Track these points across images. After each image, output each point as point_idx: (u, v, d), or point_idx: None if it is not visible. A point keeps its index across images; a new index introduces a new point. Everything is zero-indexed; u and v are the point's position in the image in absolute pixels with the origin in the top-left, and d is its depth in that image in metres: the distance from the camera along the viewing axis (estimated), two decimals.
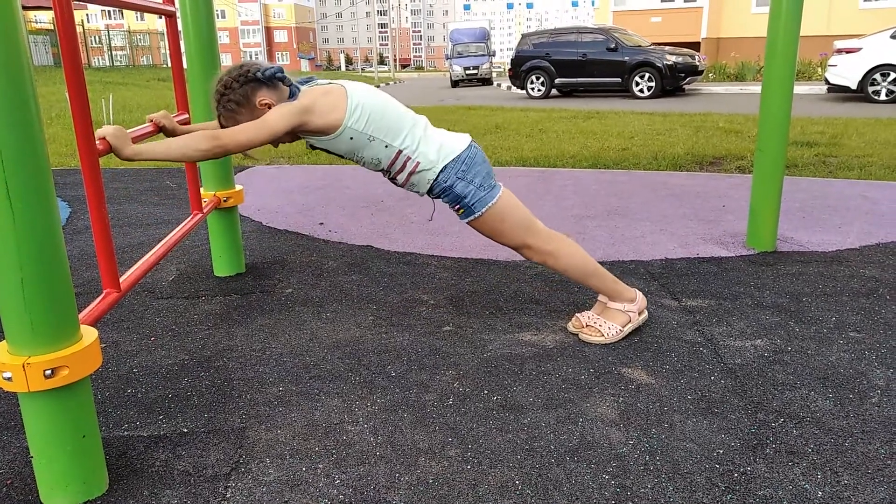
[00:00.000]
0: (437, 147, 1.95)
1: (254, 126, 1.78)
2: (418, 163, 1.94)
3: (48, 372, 1.25)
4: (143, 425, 1.67)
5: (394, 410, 1.72)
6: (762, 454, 1.50)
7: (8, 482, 1.45)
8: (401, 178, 1.99)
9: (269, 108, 1.85)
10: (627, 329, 2.10)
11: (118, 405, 1.78)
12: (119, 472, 1.47)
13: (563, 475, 1.44)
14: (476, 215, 1.98)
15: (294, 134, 1.90)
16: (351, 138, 1.89)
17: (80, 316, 1.44)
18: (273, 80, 1.86)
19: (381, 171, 2.01)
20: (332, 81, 1.96)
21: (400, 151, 1.93)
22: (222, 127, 1.91)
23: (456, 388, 1.83)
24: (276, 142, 1.86)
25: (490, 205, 1.96)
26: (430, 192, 2.01)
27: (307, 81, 1.99)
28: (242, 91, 1.85)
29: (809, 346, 2.04)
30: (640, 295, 2.15)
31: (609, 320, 2.10)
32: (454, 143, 1.97)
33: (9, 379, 1.25)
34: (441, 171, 1.94)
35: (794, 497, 1.36)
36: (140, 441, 1.60)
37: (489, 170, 2.01)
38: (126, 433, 1.64)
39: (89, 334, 1.36)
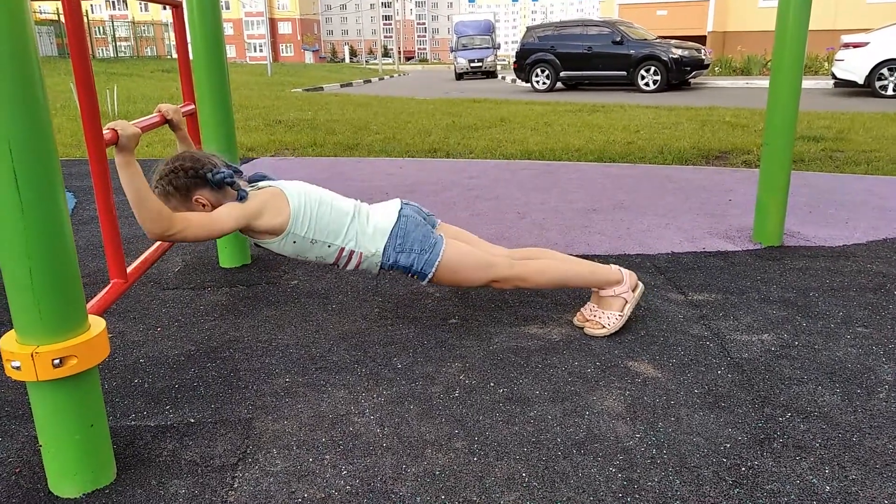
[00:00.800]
0: (372, 232, 2.00)
1: (204, 224, 1.82)
2: (361, 254, 2.00)
3: (56, 361, 1.26)
4: (151, 415, 1.68)
5: (400, 402, 1.72)
6: (769, 448, 1.50)
7: (17, 471, 1.46)
8: (349, 267, 2.04)
9: (203, 206, 1.90)
10: (627, 310, 2.10)
11: (125, 395, 1.78)
12: (127, 462, 1.48)
13: (570, 468, 1.44)
14: (429, 276, 2.01)
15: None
16: (294, 242, 1.95)
17: (88, 306, 1.44)
18: (221, 185, 1.89)
19: (330, 265, 2.06)
20: (272, 184, 1.99)
21: (342, 248, 1.99)
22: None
23: (462, 380, 1.83)
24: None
25: (437, 263, 2.00)
26: (381, 270, 2.07)
27: (253, 181, 2.03)
28: (185, 182, 1.89)
29: (817, 341, 2.03)
30: (625, 272, 2.14)
31: (606, 309, 2.11)
32: (384, 221, 2.02)
33: (17, 368, 1.25)
34: (382, 252, 2.00)
35: (802, 492, 1.35)
36: (147, 431, 1.60)
37: (425, 231, 2.03)
38: (133, 423, 1.64)
39: (97, 324, 1.36)
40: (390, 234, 2.00)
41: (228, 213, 1.85)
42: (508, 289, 2.10)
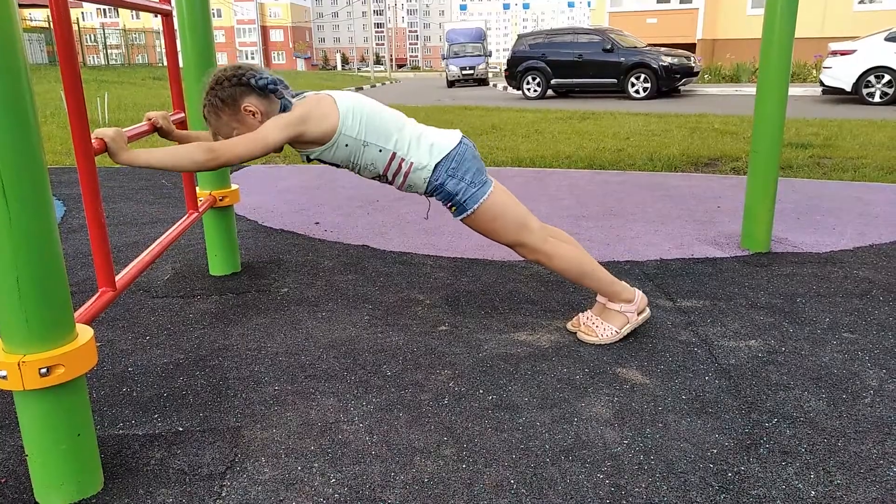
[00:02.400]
0: (428, 146, 1.95)
1: (250, 139, 1.78)
2: (412, 163, 1.94)
3: (43, 370, 1.25)
4: (139, 424, 1.67)
5: (389, 410, 1.72)
6: (756, 454, 1.51)
7: (2, 481, 1.45)
8: (398, 180, 1.99)
9: (254, 115, 1.86)
10: (625, 330, 2.10)
11: (113, 404, 1.77)
12: (114, 471, 1.47)
13: (558, 474, 1.45)
14: (468, 212, 1.98)
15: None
16: (346, 145, 1.89)
17: (76, 314, 1.44)
18: (264, 90, 1.86)
19: (378, 176, 2.01)
20: (318, 93, 1.96)
21: (394, 154, 1.93)
22: (205, 119, 1.93)
23: (451, 387, 1.83)
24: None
25: (481, 201, 1.96)
26: (426, 191, 2.01)
27: (298, 95, 1.99)
28: (231, 92, 1.85)
29: (803, 347, 2.05)
30: (639, 294, 2.14)
31: (606, 321, 2.11)
32: (444, 141, 1.98)
33: (4, 377, 1.25)
34: (434, 169, 1.95)
35: (788, 497, 1.36)
36: (135, 440, 1.60)
37: (480, 166, 2.01)
38: (121, 432, 1.64)
39: (85, 333, 1.36)
40: (447, 155, 1.94)
41: (275, 125, 1.80)
42: (529, 259, 2.06)
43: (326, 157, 1.93)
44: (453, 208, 2.00)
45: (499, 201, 1.99)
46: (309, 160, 1.97)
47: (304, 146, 1.91)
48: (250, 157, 1.79)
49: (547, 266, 2.08)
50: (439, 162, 1.94)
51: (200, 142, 1.74)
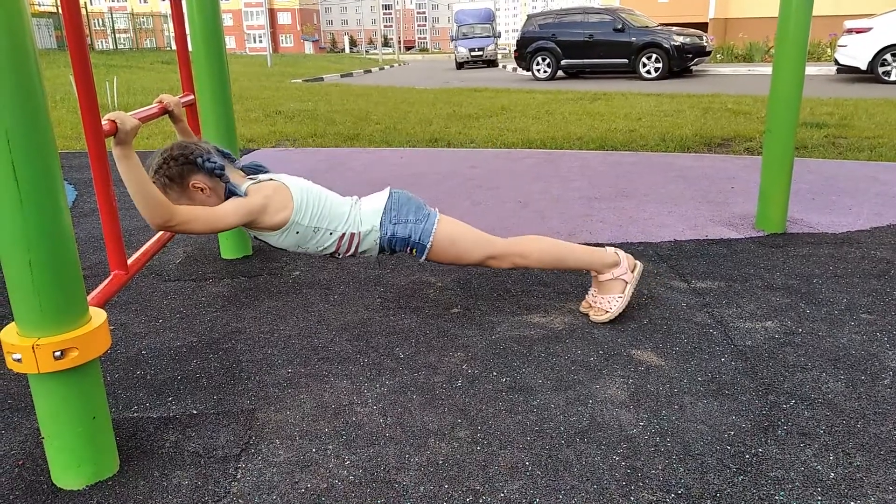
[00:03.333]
0: (367, 212, 2.01)
1: (208, 218, 1.80)
2: (360, 233, 2.00)
3: (57, 353, 1.25)
4: (153, 407, 1.68)
5: (402, 392, 1.72)
6: (773, 436, 1.50)
7: (20, 463, 1.46)
8: (351, 251, 2.03)
9: (202, 191, 1.88)
10: (628, 291, 2.10)
11: (127, 387, 1.78)
12: (129, 454, 1.48)
13: (574, 456, 1.44)
14: (428, 247, 2.01)
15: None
16: (297, 232, 1.94)
17: (89, 298, 1.44)
18: (211, 173, 1.87)
19: (330, 255, 2.04)
20: (272, 177, 1.99)
21: (343, 234, 1.98)
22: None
23: (464, 369, 1.83)
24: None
25: (433, 231, 2.00)
26: (381, 251, 2.05)
27: (252, 174, 2.02)
28: (178, 170, 1.87)
29: (820, 328, 2.03)
30: (621, 254, 2.14)
31: (607, 293, 2.10)
32: (377, 200, 2.04)
33: (18, 360, 1.25)
34: (380, 227, 1.99)
35: (806, 478, 1.35)
36: (150, 422, 1.60)
37: (418, 203, 2.05)
38: (136, 415, 1.64)
39: (98, 316, 1.35)
40: (384, 209, 2.00)
41: (234, 209, 1.84)
42: (506, 268, 2.10)
43: (273, 242, 1.97)
44: (413, 251, 2.03)
45: (449, 225, 2.04)
46: (256, 239, 2.01)
47: (256, 229, 1.94)
48: (205, 233, 1.86)
49: (526, 266, 2.10)
50: (381, 219, 2.00)
51: (169, 205, 1.73)
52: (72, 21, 1.57)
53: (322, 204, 1.96)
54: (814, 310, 2.16)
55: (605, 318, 2.08)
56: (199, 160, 1.86)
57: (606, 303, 2.09)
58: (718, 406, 1.62)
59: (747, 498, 1.30)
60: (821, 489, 1.32)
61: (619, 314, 2.08)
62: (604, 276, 2.11)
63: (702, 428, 1.53)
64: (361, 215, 2.00)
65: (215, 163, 1.88)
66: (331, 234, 1.97)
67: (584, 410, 1.61)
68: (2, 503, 1.34)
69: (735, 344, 1.94)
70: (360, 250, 2.03)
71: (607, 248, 2.15)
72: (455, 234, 2.03)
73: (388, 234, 2.00)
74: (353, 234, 1.99)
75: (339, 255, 2.04)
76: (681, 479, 1.36)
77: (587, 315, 2.14)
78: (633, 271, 2.13)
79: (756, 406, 1.62)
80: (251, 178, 1.99)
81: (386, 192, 2.06)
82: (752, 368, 1.80)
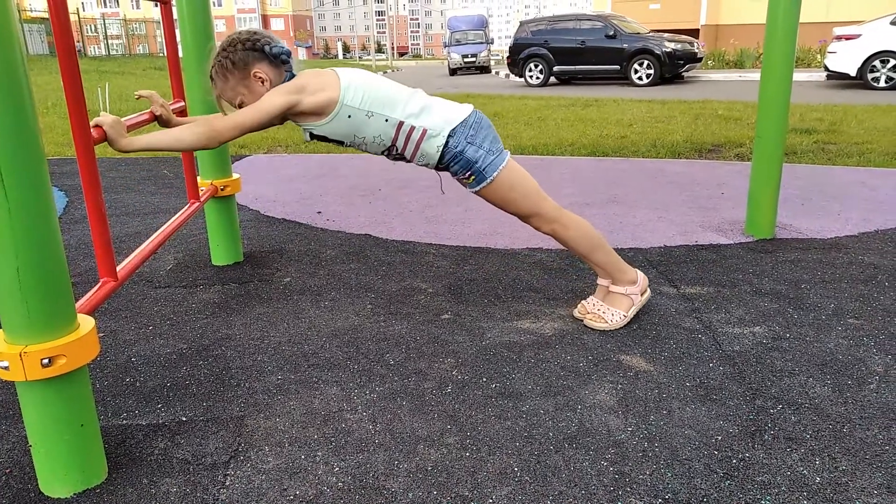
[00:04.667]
0: (440, 113, 1.92)
1: (248, 110, 1.78)
2: (425, 129, 1.89)
3: (45, 361, 1.25)
4: (142, 414, 1.67)
5: (392, 398, 1.72)
6: (760, 440, 1.50)
7: (7, 471, 1.45)
8: (409, 150, 1.93)
9: (262, 82, 1.85)
10: (632, 312, 2.10)
11: (116, 394, 1.78)
12: (118, 461, 1.47)
13: (562, 462, 1.44)
14: (488, 181, 1.94)
15: (284, 117, 1.85)
16: (349, 116, 1.84)
17: (77, 305, 1.43)
18: (276, 59, 1.85)
19: (387, 150, 1.95)
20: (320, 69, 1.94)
21: (401, 122, 1.87)
22: (210, 80, 1.91)
23: (454, 375, 1.83)
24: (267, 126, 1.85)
25: (500, 168, 1.94)
26: (439, 161, 1.95)
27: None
28: (243, 56, 1.84)
29: (808, 333, 2.04)
30: (640, 275, 2.15)
31: (612, 306, 2.10)
32: (459, 109, 1.95)
33: (6, 368, 1.24)
34: (450, 135, 1.90)
35: (793, 483, 1.36)
36: (139, 430, 1.60)
37: (496, 134, 1.99)
38: (125, 422, 1.64)
39: (86, 323, 1.35)
40: (464, 121, 1.91)
41: (274, 92, 1.79)
42: (544, 231, 2.05)
43: (328, 132, 1.88)
44: (472, 178, 1.95)
45: (516, 170, 1.98)
46: (312, 137, 1.92)
47: (304, 119, 1.86)
48: (249, 129, 1.77)
49: (562, 236, 2.05)
50: (455, 128, 1.90)
51: (205, 128, 1.72)
52: (60, 26, 1.57)
53: (374, 87, 1.87)
54: (801, 315, 2.18)
55: (600, 326, 2.08)
56: (267, 47, 1.82)
57: (610, 314, 2.09)
58: (706, 411, 1.63)
59: (734, 503, 1.31)
60: (807, 493, 1.33)
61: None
62: (616, 289, 2.11)
63: (689, 433, 1.54)
64: (432, 114, 1.90)
65: (282, 48, 1.84)
66: (386, 120, 1.86)
67: (572, 416, 1.62)
68: None
69: (723, 349, 1.95)
70: (419, 153, 1.92)
71: (636, 269, 2.16)
72: (516, 181, 1.98)
73: (458, 148, 1.90)
74: (412, 128, 1.88)
75: (396, 150, 1.94)
76: (668, 484, 1.37)
77: (579, 321, 2.14)
78: (642, 295, 2.14)
79: (743, 411, 1.63)
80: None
81: (470, 107, 1.97)
82: (739, 373, 1.81)
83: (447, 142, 1.90)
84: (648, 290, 2.17)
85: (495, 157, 1.94)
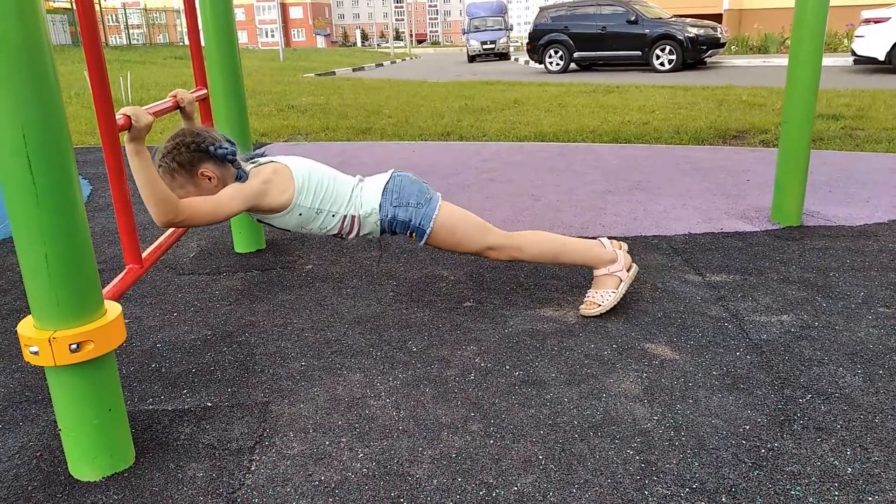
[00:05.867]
0: (368, 194, 2.01)
1: (210, 207, 1.80)
2: (360, 214, 2.00)
3: (74, 346, 1.26)
4: (168, 399, 1.69)
5: (415, 385, 1.72)
6: (790, 430, 1.48)
7: (38, 455, 1.48)
8: (353, 234, 2.04)
9: (210, 180, 1.87)
10: (622, 289, 2.09)
11: (143, 380, 1.79)
12: (145, 445, 1.49)
13: (587, 450, 1.43)
14: (427, 233, 2.01)
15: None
16: (300, 214, 1.96)
17: (104, 291, 1.44)
18: (223, 160, 1.87)
19: (333, 235, 2.06)
20: (273, 160, 1.99)
21: (345, 216, 2.00)
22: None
23: (477, 363, 1.82)
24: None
25: (434, 217, 2.00)
26: (382, 232, 2.06)
27: (251, 158, 2.01)
28: (189, 157, 1.86)
29: (837, 322, 2.00)
30: (620, 252, 2.14)
31: (601, 288, 2.10)
32: (379, 181, 2.05)
33: (35, 353, 1.26)
34: (380, 209, 2.00)
35: (823, 474, 1.34)
36: (165, 415, 1.61)
37: (421, 187, 2.06)
38: (151, 407, 1.65)
39: (113, 309, 1.36)
40: (385, 190, 2.01)
41: (234, 196, 1.85)
42: (503, 259, 2.10)
43: (276, 224, 1.98)
44: (413, 235, 2.04)
45: (453, 212, 2.04)
46: (260, 221, 2.02)
47: (259, 212, 1.95)
48: (210, 223, 1.86)
49: (522, 259, 2.10)
50: (381, 201, 2.00)
51: (175, 200, 1.73)
52: (86, 17, 1.57)
53: (325, 185, 1.97)
54: (830, 303, 2.14)
55: (595, 311, 2.06)
56: (212, 148, 1.85)
57: (599, 297, 2.08)
58: (733, 400, 1.61)
59: (763, 493, 1.29)
60: (838, 484, 1.30)
61: (618, 309, 2.07)
62: (599, 272, 2.11)
63: (716, 422, 1.52)
64: (363, 197, 2.01)
65: (227, 149, 1.87)
66: (333, 215, 1.99)
67: (597, 404, 1.61)
68: (21, 494, 1.35)
69: (750, 338, 1.92)
70: (362, 232, 2.05)
71: (603, 240, 2.15)
72: (455, 222, 2.03)
73: (389, 216, 2.01)
74: (353, 217, 2.00)
75: (342, 236, 2.05)
76: (695, 473, 1.35)
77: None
78: (628, 270, 2.12)
79: (772, 400, 1.60)
80: (252, 163, 1.99)
81: (388, 175, 2.06)
82: (767, 362, 1.78)
83: (379, 215, 2.01)
84: (634, 265, 2.15)
85: (425, 208, 2.01)
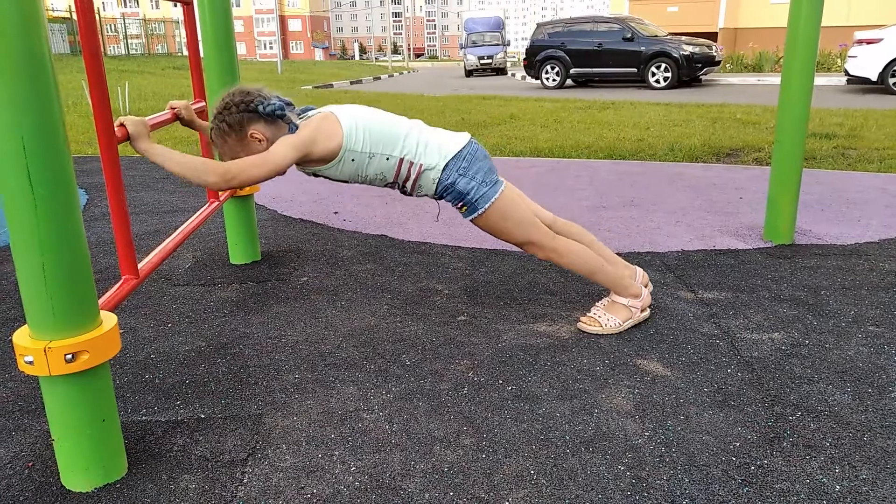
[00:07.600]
0: (436, 147, 1.96)
1: (260, 163, 1.79)
2: (421, 164, 1.95)
3: (69, 356, 1.27)
4: (161, 411, 1.69)
5: (409, 399, 1.73)
6: (779, 447, 1.49)
7: (29, 465, 1.47)
8: (409, 185, 2.00)
9: (259, 141, 1.87)
10: (627, 324, 2.10)
11: (136, 390, 1.79)
12: (138, 457, 1.49)
13: (579, 465, 1.44)
14: (479, 211, 1.98)
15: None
16: (353, 160, 1.91)
17: (100, 301, 1.45)
18: (272, 116, 1.86)
19: (389, 184, 2.02)
20: (320, 110, 1.96)
21: (401, 160, 1.94)
22: (211, 140, 1.93)
23: (471, 377, 1.83)
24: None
25: (493, 200, 1.97)
26: (435, 192, 2.01)
27: (304, 112, 2.00)
28: (238, 118, 1.86)
29: (828, 340, 2.02)
30: (645, 291, 2.15)
31: (611, 314, 2.10)
32: (454, 141, 1.99)
33: (30, 363, 1.26)
34: (443, 169, 1.95)
35: (812, 491, 1.35)
36: (158, 426, 1.62)
37: (491, 165, 2.02)
38: (144, 418, 1.66)
39: (109, 320, 1.37)
40: (456, 154, 1.95)
41: (283, 147, 1.81)
42: (540, 258, 2.08)
43: (332, 174, 1.95)
44: (464, 208, 2.00)
45: (510, 201, 2.00)
46: (315, 175, 1.98)
47: (309, 165, 1.92)
48: (261, 181, 1.81)
49: (558, 263, 2.09)
50: (449, 161, 1.95)
51: (216, 162, 1.74)
52: (86, 26, 1.59)
53: (375, 128, 1.91)
54: (821, 322, 2.16)
55: (594, 330, 2.08)
56: (261, 107, 1.84)
57: (605, 318, 2.09)
58: (724, 417, 1.62)
59: None
60: (826, 502, 1.32)
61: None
62: (618, 299, 2.11)
63: (707, 439, 1.53)
64: (427, 148, 1.95)
65: (275, 104, 1.85)
66: (387, 159, 1.93)
67: (589, 420, 1.62)
68: None
69: (741, 355, 1.94)
70: (419, 185, 1.99)
71: (638, 272, 2.19)
72: (509, 212, 2.00)
73: (450, 180, 1.96)
74: (411, 164, 1.94)
75: (398, 185, 2.00)
76: (686, 489, 1.36)
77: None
78: (641, 311, 2.13)
79: (762, 417, 1.61)
80: (301, 117, 1.96)
81: (464, 139, 2.00)
82: (758, 380, 1.79)
83: (441, 175, 1.96)
84: (648, 310, 2.16)
85: (488, 189, 1.97)
